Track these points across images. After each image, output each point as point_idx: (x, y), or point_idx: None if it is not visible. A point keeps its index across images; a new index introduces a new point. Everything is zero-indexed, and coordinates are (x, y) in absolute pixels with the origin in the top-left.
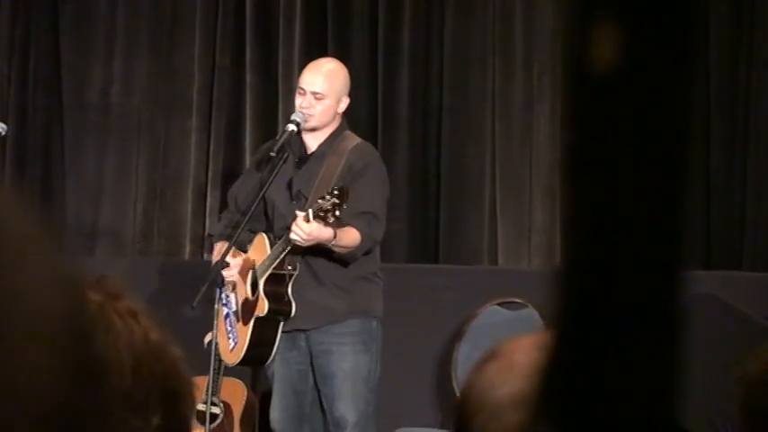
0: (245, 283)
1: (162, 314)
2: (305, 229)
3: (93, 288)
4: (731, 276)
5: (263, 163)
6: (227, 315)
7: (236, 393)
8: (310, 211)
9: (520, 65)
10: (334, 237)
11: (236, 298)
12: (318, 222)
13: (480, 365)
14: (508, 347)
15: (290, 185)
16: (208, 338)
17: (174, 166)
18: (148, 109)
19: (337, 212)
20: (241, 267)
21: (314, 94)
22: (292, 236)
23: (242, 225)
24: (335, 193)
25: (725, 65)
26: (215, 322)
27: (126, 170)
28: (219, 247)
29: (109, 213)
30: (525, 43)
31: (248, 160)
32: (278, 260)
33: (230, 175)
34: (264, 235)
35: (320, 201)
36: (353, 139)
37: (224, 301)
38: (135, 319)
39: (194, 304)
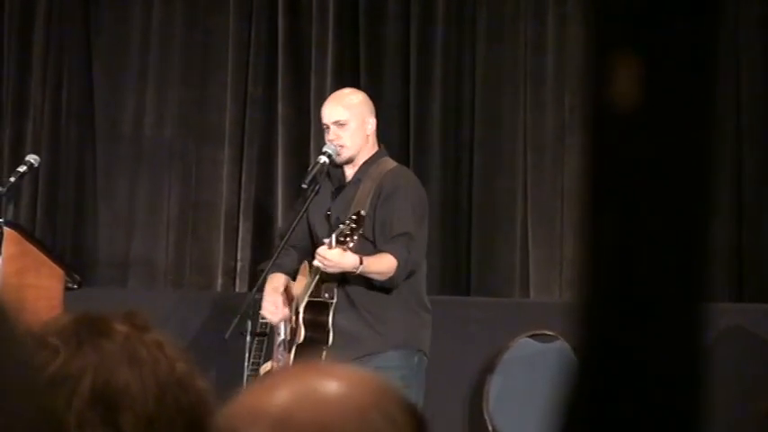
0: (291, 311)
1: (193, 346)
2: (326, 255)
3: (119, 320)
4: (762, 309)
5: (299, 197)
6: (280, 343)
7: None
8: (333, 237)
9: (551, 96)
10: (360, 263)
11: (285, 326)
12: (339, 247)
13: None
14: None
15: (328, 214)
16: (265, 369)
17: (205, 198)
18: (180, 140)
19: (355, 237)
20: (288, 296)
21: (335, 123)
22: (315, 263)
23: (272, 259)
24: (353, 218)
25: (757, 95)
26: (273, 352)
27: (158, 201)
28: (275, 279)
29: (141, 244)
30: (556, 75)
31: (280, 191)
32: (311, 287)
33: (262, 206)
34: (307, 263)
35: (341, 226)
36: (389, 164)
37: (278, 330)
38: (161, 350)
39: (227, 336)
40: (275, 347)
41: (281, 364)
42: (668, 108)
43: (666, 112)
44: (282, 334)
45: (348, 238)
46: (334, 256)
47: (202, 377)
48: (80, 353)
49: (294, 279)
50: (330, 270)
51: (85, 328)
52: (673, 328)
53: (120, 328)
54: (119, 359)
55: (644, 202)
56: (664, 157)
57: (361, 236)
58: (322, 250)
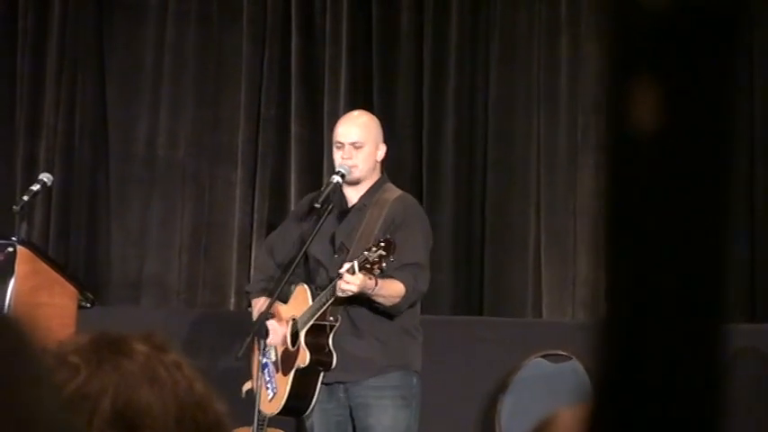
0: (285, 333)
1: (206, 365)
2: (355, 282)
3: (138, 340)
4: None
5: (307, 215)
6: (266, 365)
7: None
8: (355, 263)
9: (564, 116)
10: (376, 284)
11: (276, 348)
12: (364, 274)
13: None
14: (567, 418)
15: (332, 239)
16: (246, 387)
17: (218, 217)
18: (193, 160)
19: (384, 264)
20: (279, 319)
21: (353, 144)
22: (340, 292)
23: (285, 278)
24: (382, 245)
25: None
26: (257, 373)
27: (171, 221)
28: (262, 302)
29: (154, 264)
30: (570, 94)
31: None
32: (320, 312)
33: (275, 226)
34: (306, 286)
35: (366, 252)
36: (394, 192)
37: (263, 352)
38: (180, 370)
39: (239, 355)
40: (256, 369)
41: (271, 385)
42: (687, 132)
43: (685, 137)
44: (273, 356)
45: (375, 266)
46: (359, 283)
47: (219, 399)
48: (100, 371)
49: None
50: (349, 294)
51: (105, 347)
52: (691, 350)
53: (140, 347)
54: (139, 379)
55: (662, 225)
56: (683, 180)
57: (390, 263)
58: (349, 278)
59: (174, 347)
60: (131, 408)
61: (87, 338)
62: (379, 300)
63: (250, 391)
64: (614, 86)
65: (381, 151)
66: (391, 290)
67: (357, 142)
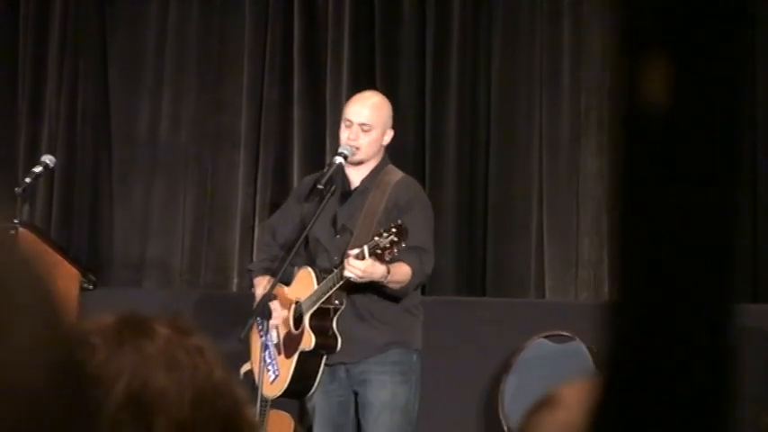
0: (287, 316)
1: None
2: (360, 267)
3: (162, 323)
4: None
5: (309, 196)
6: (266, 347)
7: (282, 426)
8: (365, 248)
9: (567, 99)
10: (388, 273)
11: (278, 331)
12: (374, 260)
13: (536, 411)
14: (568, 395)
15: (334, 220)
16: (245, 369)
17: (221, 200)
18: (196, 142)
19: (395, 250)
20: (282, 301)
21: (361, 125)
22: (347, 273)
23: (287, 260)
24: (393, 230)
25: None
26: (258, 354)
27: (174, 203)
28: (265, 282)
29: (156, 246)
30: (572, 76)
31: None
32: (327, 295)
33: (277, 208)
34: (311, 269)
35: (377, 238)
36: (396, 174)
37: (262, 333)
38: (201, 355)
39: (242, 337)
40: (257, 350)
41: (272, 367)
42: (698, 109)
43: (696, 114)
44: (275, 338)
45: (386, 252)
46: (368, 268)
47: (240, 384)
48: (120, 353)
49: (275, 276)
50: (360, 281)
51: (127, 329)
52: (702, 329)
53: (162, 330)
54: (157, 362)
55: (673, 204)
56: (693, 158)
57: (402, 249)
58: (355, 262)
59: (197, 332)
60: (146, 391)
61: (111, 319)
62: (391, 286)
63: (248, 373)
64: (624, 63)
65: (388, 136)
66: (400, 274)
67: (366, 124)
